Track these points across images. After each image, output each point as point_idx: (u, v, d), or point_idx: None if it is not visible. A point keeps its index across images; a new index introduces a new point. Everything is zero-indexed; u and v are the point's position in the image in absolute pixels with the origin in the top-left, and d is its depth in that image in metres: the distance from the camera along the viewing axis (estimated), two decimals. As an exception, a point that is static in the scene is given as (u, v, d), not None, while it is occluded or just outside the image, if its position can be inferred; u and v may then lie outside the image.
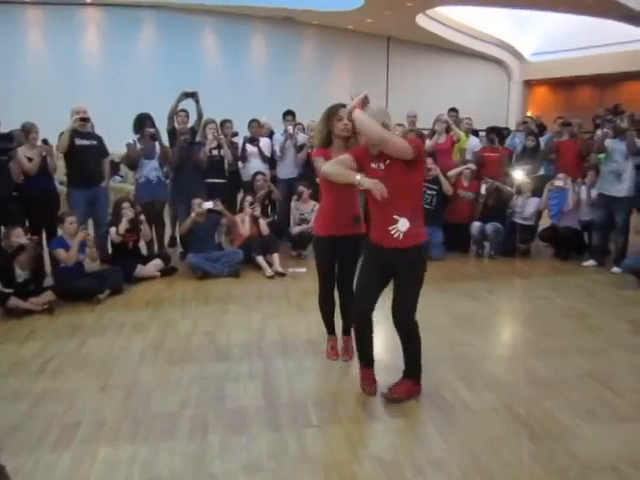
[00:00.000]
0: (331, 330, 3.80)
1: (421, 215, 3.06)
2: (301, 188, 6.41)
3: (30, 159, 5.37)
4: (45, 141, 5.55)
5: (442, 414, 3.03)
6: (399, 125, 7.40)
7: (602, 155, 6.04)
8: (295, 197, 6.53)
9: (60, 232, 5.22)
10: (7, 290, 4.60)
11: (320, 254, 3.56)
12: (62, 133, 5.63)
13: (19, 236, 4.63)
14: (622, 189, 5.75)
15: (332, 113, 3.32)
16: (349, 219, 3.40)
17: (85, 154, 5.63)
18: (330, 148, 3.35)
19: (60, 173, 6.27)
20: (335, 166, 3.03)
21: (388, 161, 2.93)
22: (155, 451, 2.69)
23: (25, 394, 3.26)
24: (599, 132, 6.30)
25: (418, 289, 3.06)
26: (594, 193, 6.08)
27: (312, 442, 2.76)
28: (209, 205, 5.79)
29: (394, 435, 2.82)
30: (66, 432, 2.85)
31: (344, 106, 3.28)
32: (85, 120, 5.64)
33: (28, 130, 5.44)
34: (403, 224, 2.95)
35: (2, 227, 5.07)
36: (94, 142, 5.77)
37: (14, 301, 4.51)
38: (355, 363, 3.59)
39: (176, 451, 2.69)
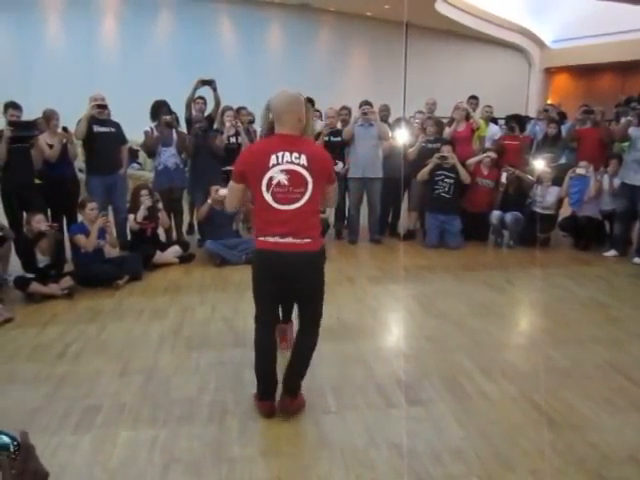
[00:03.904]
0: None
1: None
2: None
3: (51, 146, 5.43)
4: (65, 128, 5.59)
5: (460, 403, 3.03)
6: (419, 113, 7.34)
7: (625, 143, 5.94)
8: None
9: (80, 218, 5.27)
10: (29, 275, 4.66)
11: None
12: (80, 120, 5.67)
13: (40, 222, 4.69)
14: (645, 178, 5.66)
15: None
16: None
17: (103, 141, 5.67)
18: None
19: (79, 160, 6.33)
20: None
21: None
22: (175, 435, 2.72)
23: (46, 378, 3.31)
24: (623, 120, 6.18)
25: None
26: (617, 182, 5.99)
27: (330, 428, 2.77)
28: (226, 192, 5.79)
29: (412, 423, 2.82)
30: (87, 415, 2.90)
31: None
32: (102, 107, 5.67)
33: (49, 117, 5.49)
34: None
35: (24, 213, 5.14)
36: (112, 129, 5.80)
37: (35, 286, 4.58)
38: (379, 348, 3.61)
39: (195, 435, 2.72)
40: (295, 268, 2.70)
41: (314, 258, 2.74)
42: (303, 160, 2.63)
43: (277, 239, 2.65)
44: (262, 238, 2.71)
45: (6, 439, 0.92)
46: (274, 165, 2.62)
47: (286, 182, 2.62)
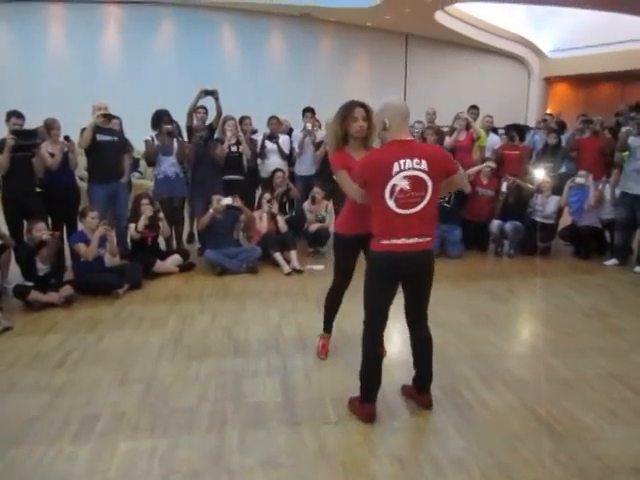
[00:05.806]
0: (329, 328, 3.77)
1: None
2: (316, 190, 6.38)
3: (52, 155, 5.44)
4: (67, 138, 5.61)
5: (461, 413, 3.01)
6: (418, 122, 7.36)
7: (625, 153, 5.95)
8: (309, 200, 6.50)
9: (81, 227, 5.27)
10: (28, 283, 4.65)
11: (343, 252, 3.51)
12: (84, 129, 5.69)
13: (41, 230, 4.69)
14: (645, 187, 5.65)
15: (347, 113, 3.18)
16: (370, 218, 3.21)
17: (106, 150, 5.67)
18: (347, 149, 3.24)
19: (81, 169, 6.34)
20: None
21: None
22: (174, 445, 2.70)
23: (45, 386, 3.30)
24: (623, 130, 6.19)
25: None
26: (618, 192, 5.99)
27: (330, 439, 2.76)
28: (227, 201, 5.81)
29: (413, 433, 2.81)
30: (86, 424, 2.88)
31: (359, 105, 3.19)
32: (107, 116, 5.69)
33: (50, 126, 5.51)
34: None
35: (25, 221, 5.14)
36: (115, 138, 5.81)
37: (34, 294, 4.57)
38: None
39: (195, 445, 2.70)
40: (421, 266, 2.86)
41: (433, 254, 2.90)
42: (424, 165, 2.71)
43: (404, 240, 2.75)
44: (386, 241, 2.78)
45: None
46: (397, 172, 2.69)
47: (408, 187, 2.70)
